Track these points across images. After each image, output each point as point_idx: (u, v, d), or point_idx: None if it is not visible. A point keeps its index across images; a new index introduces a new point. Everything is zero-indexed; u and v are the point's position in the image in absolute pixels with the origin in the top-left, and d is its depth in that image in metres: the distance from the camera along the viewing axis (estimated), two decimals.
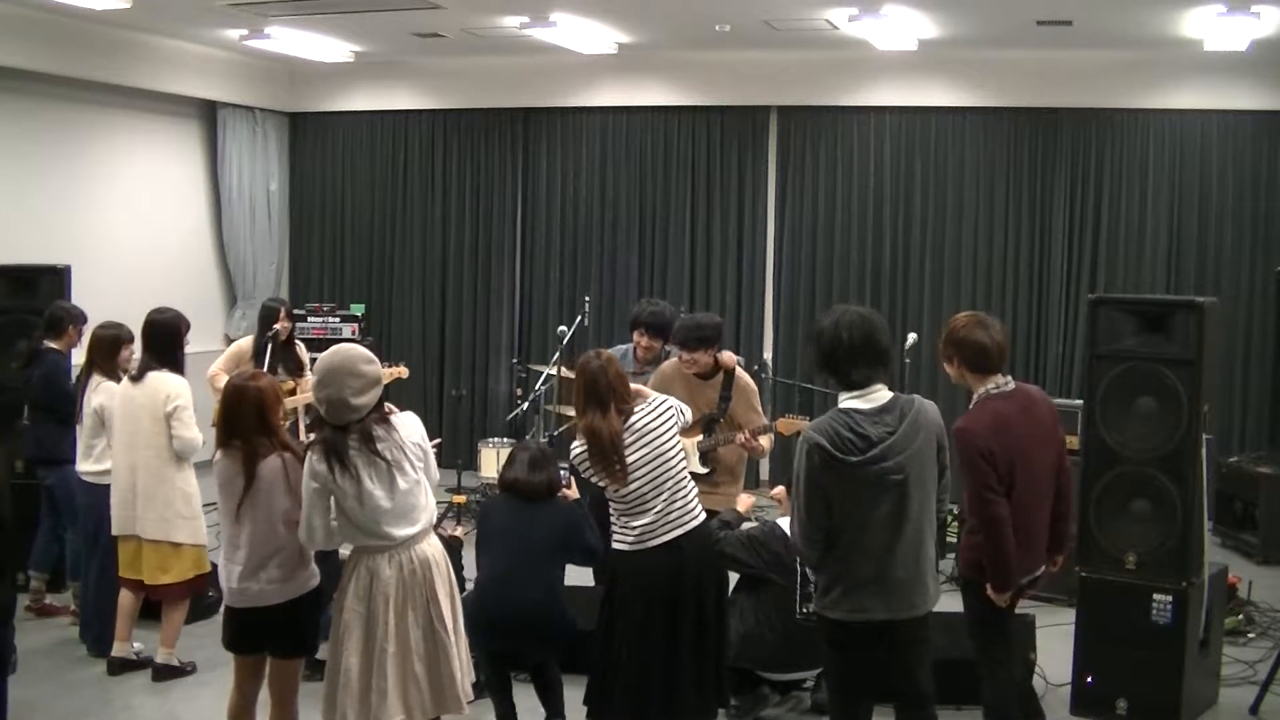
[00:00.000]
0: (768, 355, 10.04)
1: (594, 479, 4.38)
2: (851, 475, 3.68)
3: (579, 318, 8.83)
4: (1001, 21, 8.36)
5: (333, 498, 3.92)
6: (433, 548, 4.09)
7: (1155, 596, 5.08)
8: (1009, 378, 4.39)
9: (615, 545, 4.46)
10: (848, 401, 3.76)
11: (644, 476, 4.32)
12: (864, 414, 3.71)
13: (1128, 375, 5.16)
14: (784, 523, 5.14)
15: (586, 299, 9.20)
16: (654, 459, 4.33)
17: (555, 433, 7.86)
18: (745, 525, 5.20)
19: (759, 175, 10.21)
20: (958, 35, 8.84)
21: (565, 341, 7.58)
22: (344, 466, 3.88)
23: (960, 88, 9.59)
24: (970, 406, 4.34)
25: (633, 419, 4.34)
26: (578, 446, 4.38)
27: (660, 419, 4.38)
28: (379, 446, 3.92)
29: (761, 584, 5.02)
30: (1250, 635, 6.28)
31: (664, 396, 4.52)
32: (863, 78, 9.76)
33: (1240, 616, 6.32)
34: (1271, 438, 8.93)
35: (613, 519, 4.48)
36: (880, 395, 3.75)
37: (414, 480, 4.01)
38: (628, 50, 9.73)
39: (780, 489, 5.41)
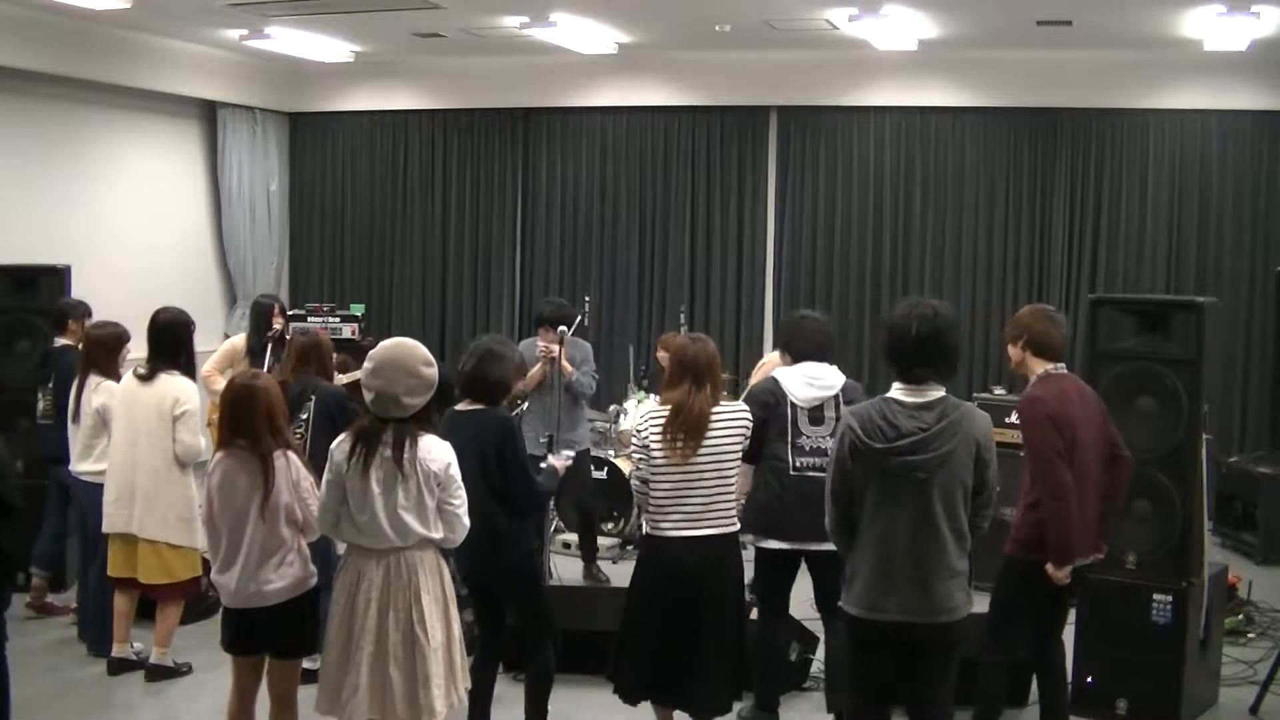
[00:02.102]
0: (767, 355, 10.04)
1: (656, 451, 4.37)
2: (875, 463, 3.65)
3: (579, 318, 8.82)
4: (1001, 21, 8.36)
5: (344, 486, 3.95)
6: (427, 554, 4.03)
7: (1155, 596, 5.08)
8: (1063, 365, 4.53)
9: (647, 531, 4.51)
10: (894, 391, 3.72)
11: (699, 464, 4.37)
12: (903, 406, 3.67)
13: (1128, 375, 5.15)
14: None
15: (586, 299, 9.19)
16: (715, 453, 4.40)
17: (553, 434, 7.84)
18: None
19: (759, 175, 10.21)
20: (958, 35, 8.84)
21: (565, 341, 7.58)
22: (367, 459, 3.89)
23: (960, 88, 9.60)
24: (1029, 387, 4.50)
25: (717, 409, 4.43)
26: (652, 415, 4.43)
27: (736, 423, 4.47)
28: (404, 456, 3.91)
29: (759, 449, 4.88)
30: (1250, 635, 6.28)
31: (746, 407, 4.61)
32: (863, 78, 9.76)
33: (1240, 616, 6.32)
34: (1272, 438, 8.93)
35: (645, 507, 4.49)
36: (929, 393, 3.68)
37: (415, 502, 3.93)
38: (628, 50, 9.73)
39: None
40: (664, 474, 4.40)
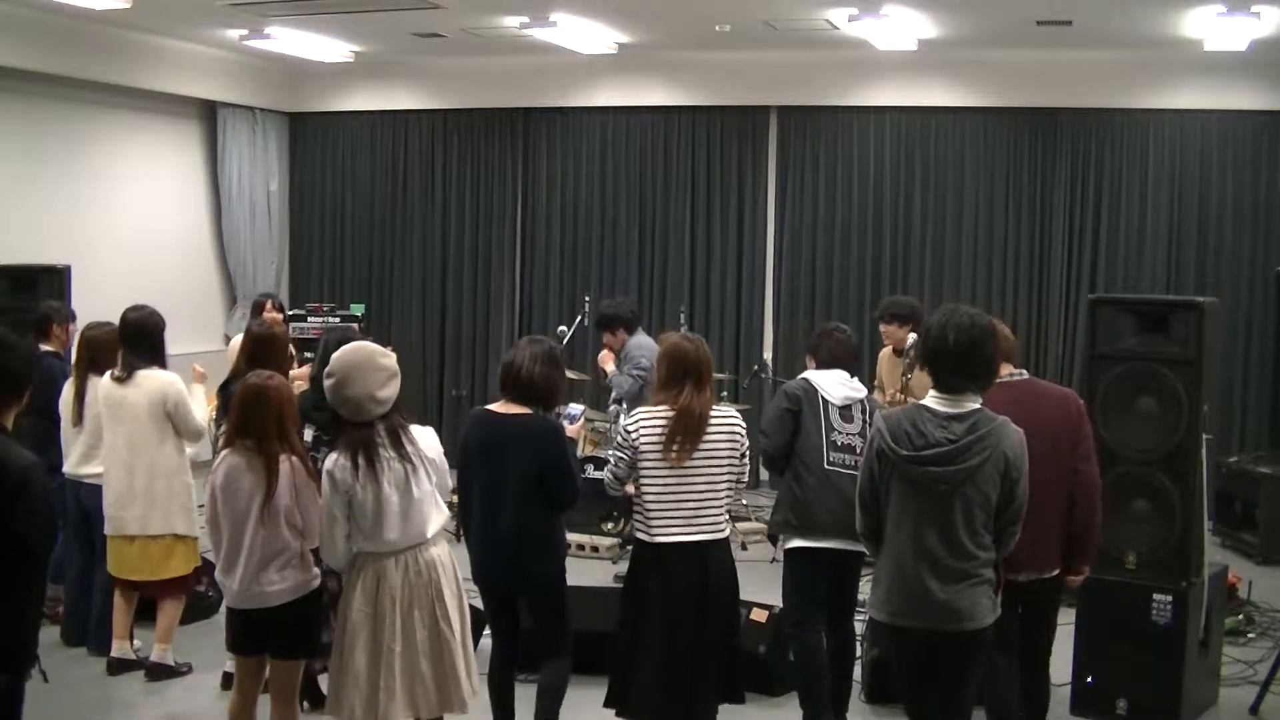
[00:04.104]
0: (767, 355, 10.04)
1: (649, 454, 4.32)
2: (899, 469, 3.63)
3: (579, 318, 8.84)
4: (1001, 21, 8.36)
5: (350, 504, 3.94)
6: (440, 550, 4.11)
7: (1155, 596, 5.08)
8: (1021, 371, 4.44)
9: (639, 535, 4.45)
10: (929, 399, 3.69)
11: (692, 467, 4.35)
12: (935, 414, 3.63)
13: (1128, 375, 5.15)
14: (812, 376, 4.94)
15: (586, 299, 9.21)
16: (708, 457, 4.38)
17: None
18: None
19: (759, 175, 10.21)
20: (958, 35, 8.84)
21: (565, 341, 7.63)
22: (370, 464, 3.90)
23: (960, 88, 9.59)
24: None
25: (712, 411, 4.40)
26: (644, 416, 4.37)
27: (730, 428, 4.43)
28: (406, 449, 3.95)
29: (789, 450, 4.82)
30: (1250, 635, 6.28)
31: (737, 414, 4.54)
32: (863, 78, 9.76)
33: (1240, 616, 6.32)
34: (1272, 438, 8.93)
35: (638, 509, 4.45)
36: (964, 403, 3.63)
37: (427, 491, 4.04)
38: (628, 50, 9.73)
39: None
40: (656, 477, 4.35)
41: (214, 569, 4.41)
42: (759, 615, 5.51)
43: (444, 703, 4.05)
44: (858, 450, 4.66)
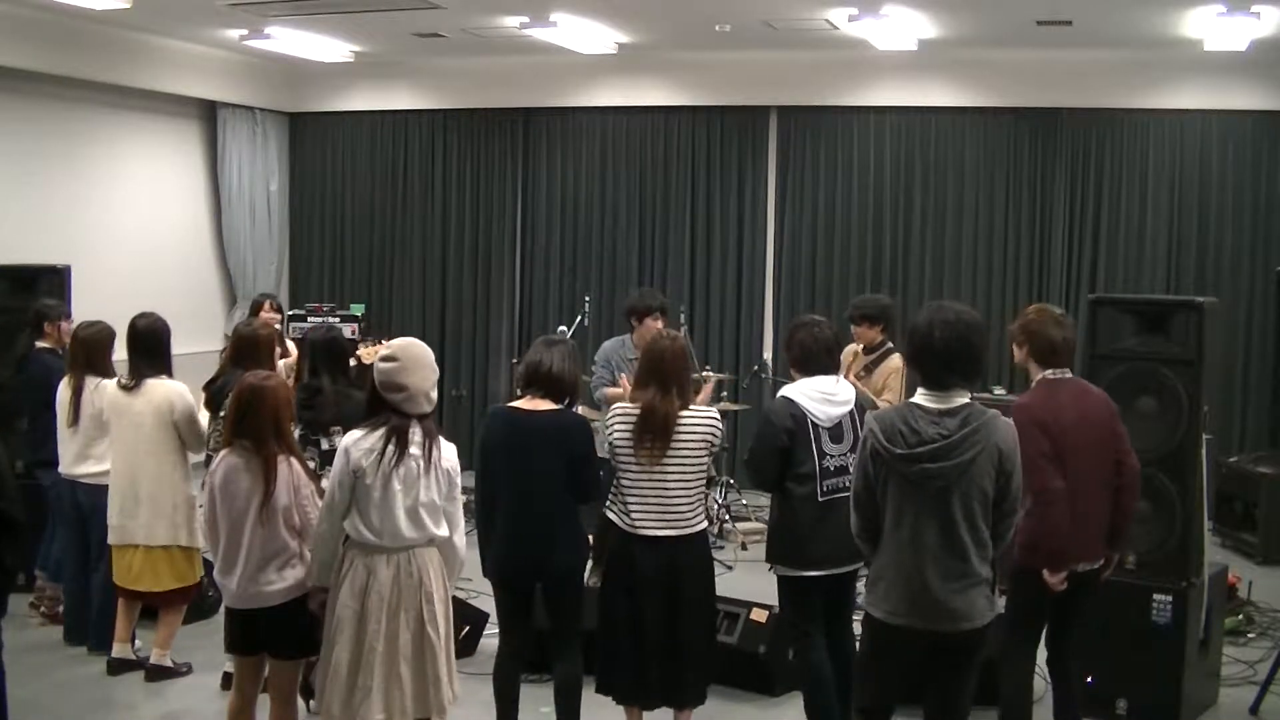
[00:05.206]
0: (767, 355, 10.04)
1: (623, 450, 4.44)
2: (895, 468, 3.64)
3: (579, 318, 8.85)
4: (1001, 21, 8.37)
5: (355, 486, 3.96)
6: (433, 555, 4.10)
7: (1155, 596, 5.09)
8: (1066, 370, 4.50)
9: (616, 524, 4.52)
10: (919, 396, 3.71)
11: (664, 466, 4.41)
12: (926, 411, 3.64)
13: (1128, 375, 5.15)
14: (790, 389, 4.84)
15: (586, 299, 9.22)
16: (679, 458, 4.43)
17: None
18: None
19: (759, 175, 10.21)
20: (958, 35, 8.84)
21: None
22: (400, 453, 3.93)
23: (960, 88, 9.60)
24: (1023, 393, 4.55)
25: (685, 412, 4.45)
26: (619, 413, 4.48)
27: (703, 428, 4.48)
28: (432, 454, 3.99)
29: (780, 475, 4.74)
30: (1250, 635, 6.28)
31: (715, 412, 4.65)
32: (863, 78, 9.76)
33: (1240, 616, 6.32)
34: (1271, 438, 8.93)
35: (615, 499, 4.53)
36: (953, 399, 3.65)
37: (433, 500, 4.03)
38: (628, 50, 9.73)
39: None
40: (629, 473, 4.46)
41: (213, 569, 4.41)
42: (759, 615, 5.50)
43: (421, 707, 4.03)
44: (850, 469, 4.57)
